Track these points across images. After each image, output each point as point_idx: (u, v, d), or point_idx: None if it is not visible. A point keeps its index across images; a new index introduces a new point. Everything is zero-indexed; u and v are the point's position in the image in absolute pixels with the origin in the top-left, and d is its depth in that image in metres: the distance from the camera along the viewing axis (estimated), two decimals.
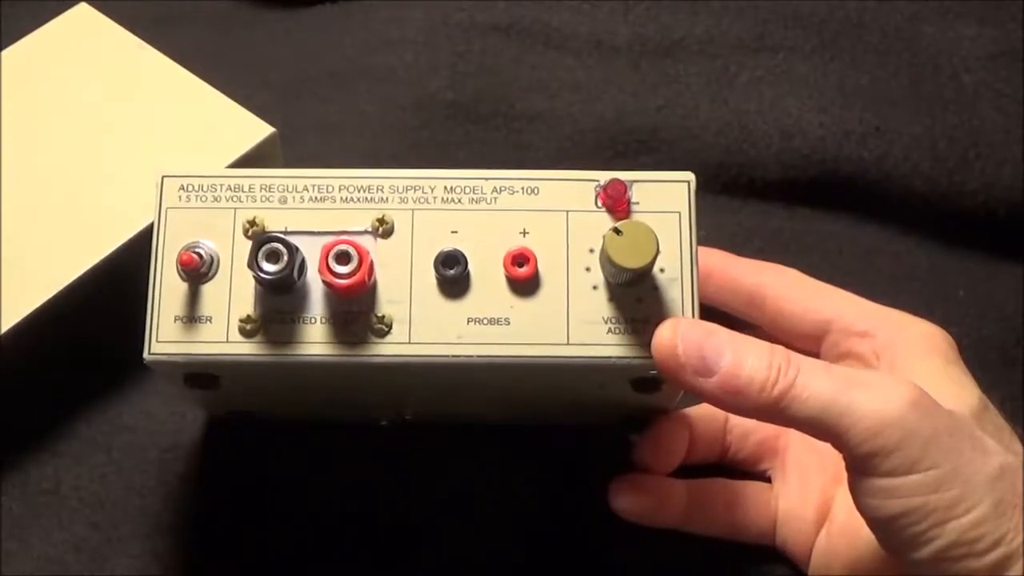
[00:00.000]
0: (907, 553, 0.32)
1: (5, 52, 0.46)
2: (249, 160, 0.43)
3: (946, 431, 0.31)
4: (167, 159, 0.43)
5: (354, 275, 0.32)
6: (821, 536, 0.39)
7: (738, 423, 0.42)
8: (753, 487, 0.41)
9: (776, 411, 0.32)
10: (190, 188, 0.34)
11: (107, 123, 0.44)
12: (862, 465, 0.31)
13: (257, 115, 0.44)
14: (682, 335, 0.32)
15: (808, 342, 0.40)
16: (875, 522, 0.33)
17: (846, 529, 0.38)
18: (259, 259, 0.31)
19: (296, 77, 0.52)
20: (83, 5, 0.47)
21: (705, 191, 0.48)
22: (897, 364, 0.37)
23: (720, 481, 0.41)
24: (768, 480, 0.42)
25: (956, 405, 0.34)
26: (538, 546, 0.41)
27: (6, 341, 0.39)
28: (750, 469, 0.42)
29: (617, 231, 0.31)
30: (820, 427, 0.32)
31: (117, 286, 0.40)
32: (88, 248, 0.41)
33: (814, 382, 0.31)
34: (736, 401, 0.32)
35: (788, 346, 0.33)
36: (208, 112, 0.44)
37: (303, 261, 0.32)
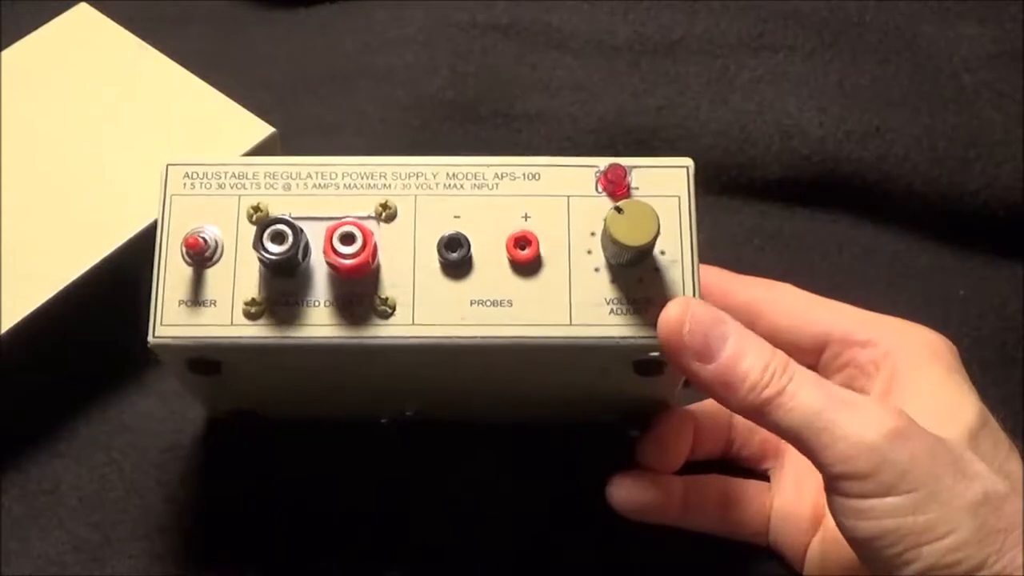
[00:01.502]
0: (888, 574, 0.32)
1: (5, 52, 0.46)
2: None
3: (926, 458, 0.31)
4: (167, 159, 0.43)
5: (358, 256, 0.32)
6: (816, 539, 0.39)
7: (743, 419, 0.42)
8: (751, 485, 0.41)
9: (760, 414, 0.32)
10: (195, 176, 0.34)
11: (107, 123, 0.44)
12: (835, 485, 0.32)
13: (257, 115, 0.44)
14: (692, 315, 0.32)
15: (806, 356, 0.39)
16: (853, 542, 0.32)
17: (841, 535, 0.38)
18: (264, 240, 0.32)
19: (296, 77, 0.52)
20: (83, 5, 0.47)
21: (705, 191, 0.48)
22: (898, 373, 0.37)
23: (717, 477, 0.41)
24: (769, 479, 0.42)
25: (952, 422, 0.34)
26: (538, 544, 0.41)
27: (6, 341, 0.39)
28: (754, 467, 0.42)
29: (619, 210, 0.32)
30: (798, 440, 0.32)
31: (118, 286, 0.40)
32: (89, 247, 0.41)
33: (802, 394, 0.32)
34: (726, 394, 0.32)
35: None
36: (208, 112, 0.44)
37: (307, 244, 0.33)
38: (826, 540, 0.39)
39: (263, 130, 0.44)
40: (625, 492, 0.40)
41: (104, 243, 0.41)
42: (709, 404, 0.41)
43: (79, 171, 0.43)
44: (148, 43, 0.46)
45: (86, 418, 0.43)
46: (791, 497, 0.40)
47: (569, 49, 0.53)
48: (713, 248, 0.42)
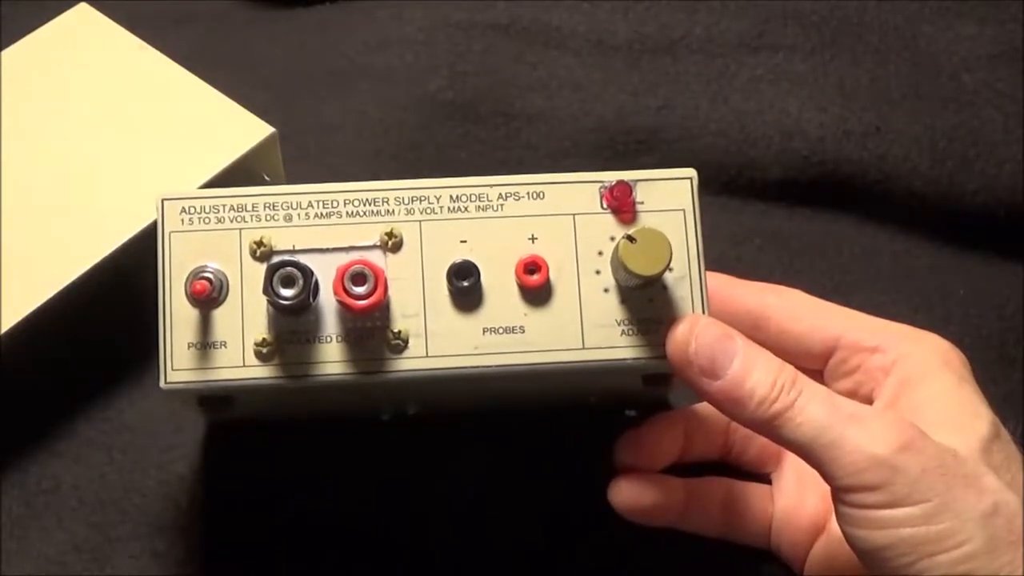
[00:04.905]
0: None
1: (5, 52, 0.46)
2: (249, 160, 0.43)
3: (937, 469, 0.31)
4: (167, 159, 0.43)
5: (371, 295, 0.31)
6: (820, 542, 0.39)
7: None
8: (753, 489, 0.41)
9: (769, 428, 0.32)
10: (192, 210, 0.33)
11: (107, 123, 0.44)
12: (844, 496, 0.31)
13: (257, 115, 0.44)
14: (697, 334, 0.32)
15: (815, 361, 0.39)
16: (861, 553, 0.32)
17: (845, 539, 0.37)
18: (274, 285, 0.31)
19: (296, 77, 0.52)
20: (83, 5, 0.47)
21: (705, 191, 0.48)
22: (908, 381, 0.36)
23: (719, 480, 0.41)
24: (771, 483, 0.42)
25: (964, 433, 0.34)
26: (538, 544, 0.41)
27: (6, 341, 0.39)
28: (755, 471, 0.42)
29: (631, 239, 0.32)
30: (807, 454, 0.32)
31: (117, 286, 0.40)
32: (88, 248, 0.41)
33: (811, 408, 0.32)
34: (733, 409, 0.32)
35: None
36: (208, 112, 0.44)
37: (316, 282, 0.32)
38: (830, 545, 0.38)
39: (263, 130, 0.44)
40: (626, 494, 0.40)
41: (104, 243, 0.41)
42: (706, 406, 0.41)
43: (79, 171, 0.43)
44: (148, 43, 0.46)
45: (86, 418, 0.43)
46: (793, 501, 0.40)
47: (569, 49, 0.53)
48: (713, 248, 0.42)
